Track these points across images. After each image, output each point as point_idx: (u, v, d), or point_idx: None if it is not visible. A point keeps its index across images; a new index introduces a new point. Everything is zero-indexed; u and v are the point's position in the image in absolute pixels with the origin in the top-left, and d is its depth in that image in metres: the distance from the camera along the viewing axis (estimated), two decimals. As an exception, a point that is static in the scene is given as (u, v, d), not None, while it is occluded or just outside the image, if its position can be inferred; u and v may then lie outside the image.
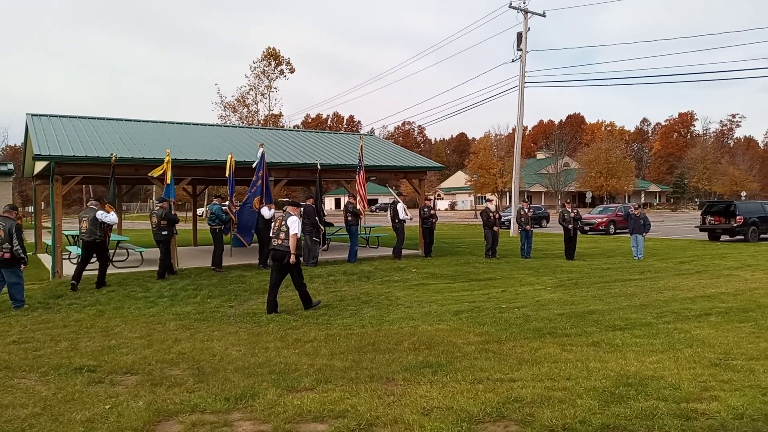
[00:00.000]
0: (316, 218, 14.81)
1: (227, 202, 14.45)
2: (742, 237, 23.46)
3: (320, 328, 8.05)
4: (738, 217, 23.20)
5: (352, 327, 8.09)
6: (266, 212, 13.81)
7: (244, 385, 5.44)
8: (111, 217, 11.64)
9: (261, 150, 13.94)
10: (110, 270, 13.73)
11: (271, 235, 9.36)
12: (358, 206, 15.57)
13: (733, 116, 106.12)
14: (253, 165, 13.97)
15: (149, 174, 12.99)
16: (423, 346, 6.91)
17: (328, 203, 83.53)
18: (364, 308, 9.43)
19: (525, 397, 4.93)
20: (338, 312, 9.17)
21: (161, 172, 12.81)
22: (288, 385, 5.43)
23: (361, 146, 15.87)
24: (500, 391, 5.11)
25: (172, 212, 13.12)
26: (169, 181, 12.89)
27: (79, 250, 11.42)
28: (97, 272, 11.61)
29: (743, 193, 68.45)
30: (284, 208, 9.41)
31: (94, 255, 11.58)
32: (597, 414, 4.54)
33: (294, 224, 8.99)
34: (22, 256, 9.43)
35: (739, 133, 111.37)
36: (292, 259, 8.94)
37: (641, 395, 4.97)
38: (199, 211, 25.34)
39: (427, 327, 8.01)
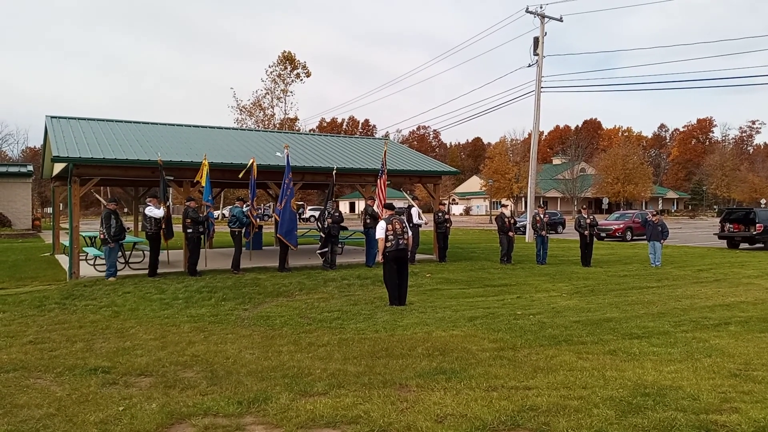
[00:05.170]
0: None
1: (245, 206, 14.53)
2: (762, 245, 23.11)
3: (333, 332, 8.03)
4: (758, 224, 22.84)
5: (365, 332, 8.06)
6: None
7: (257, 388, 5.43)
8: (156, 211, 12.92)
9: (286, 152, 14.05)
10: (126, 272, 13.90)
11: (391, 238, 9.88)
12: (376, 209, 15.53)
13: (753, 123, 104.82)
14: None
15: (195, 179, 13.73)
16: (437, 352, 6.85)
17: (343, 207, 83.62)
18: (377, 313, 9.40)
19: (540, 406, 4.87)
20: (352, 316, 9.14)
21: (201, 176, 13.51)
22: (301, 389, 5.41)
23: (385, 151, 15.90)
24: (515, 399, 5.05)
25: (203, 213, 13.68)
26: (204, 184, 13.53)
27: (96, 252, 12.13)
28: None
29: (763, 201, 67.41)
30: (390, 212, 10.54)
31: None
32: (614, 424, 4.47)
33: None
34: (106, 237, 12.24)
35: (758, 139, 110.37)
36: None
37: (659, 405, 4.89)
38: (216, 213, 25.56)
39: (441, 333, 7.95)
